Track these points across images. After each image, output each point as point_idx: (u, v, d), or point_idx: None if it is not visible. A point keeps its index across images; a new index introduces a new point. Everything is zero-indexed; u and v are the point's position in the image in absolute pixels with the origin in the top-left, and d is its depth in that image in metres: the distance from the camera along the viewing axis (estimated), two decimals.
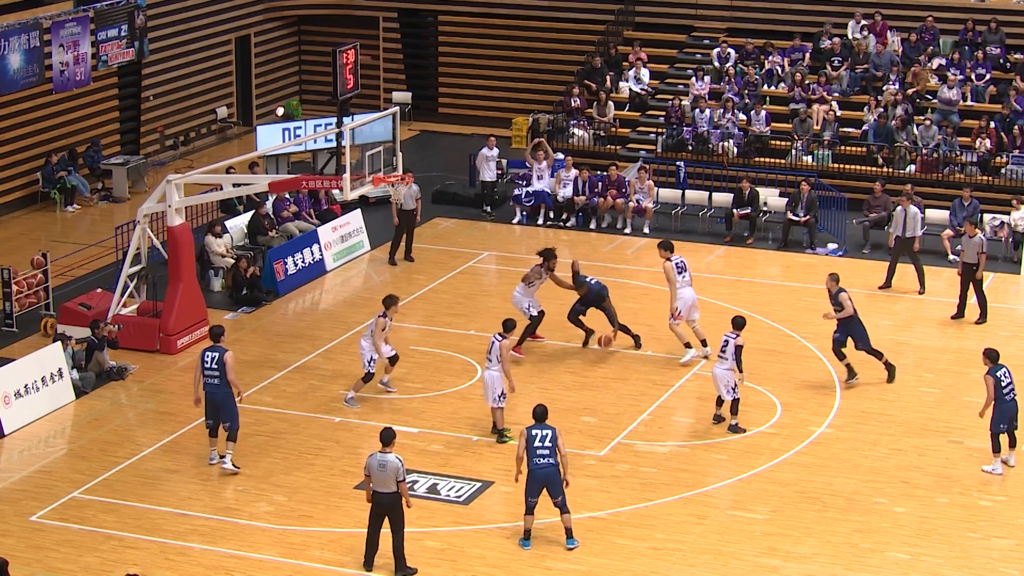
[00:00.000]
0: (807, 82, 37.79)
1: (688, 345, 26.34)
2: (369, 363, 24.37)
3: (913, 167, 35.27)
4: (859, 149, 36.03)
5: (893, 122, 35.72)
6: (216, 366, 22.01)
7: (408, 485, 19.67)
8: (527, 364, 25.86)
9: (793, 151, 36.15)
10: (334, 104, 33.04)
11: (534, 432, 20.04)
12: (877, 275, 30.68)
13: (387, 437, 19.31)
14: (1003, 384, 22.28)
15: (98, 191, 36.17)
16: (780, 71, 38.53)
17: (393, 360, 24.90)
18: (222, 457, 22.24)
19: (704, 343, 26.42)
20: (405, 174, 29.37)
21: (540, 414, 20.29)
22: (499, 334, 23.32)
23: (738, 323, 23.88)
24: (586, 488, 21.61)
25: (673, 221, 34.30)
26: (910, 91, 36.94)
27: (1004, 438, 22.51)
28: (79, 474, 22.26)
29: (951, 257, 31.39)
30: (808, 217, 32.88)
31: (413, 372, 25.88)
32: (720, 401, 23.95)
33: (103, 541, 20.29)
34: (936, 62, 37.84)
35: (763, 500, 21.60)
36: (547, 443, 19.98)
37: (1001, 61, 37.84)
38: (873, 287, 30.42)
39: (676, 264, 26.25)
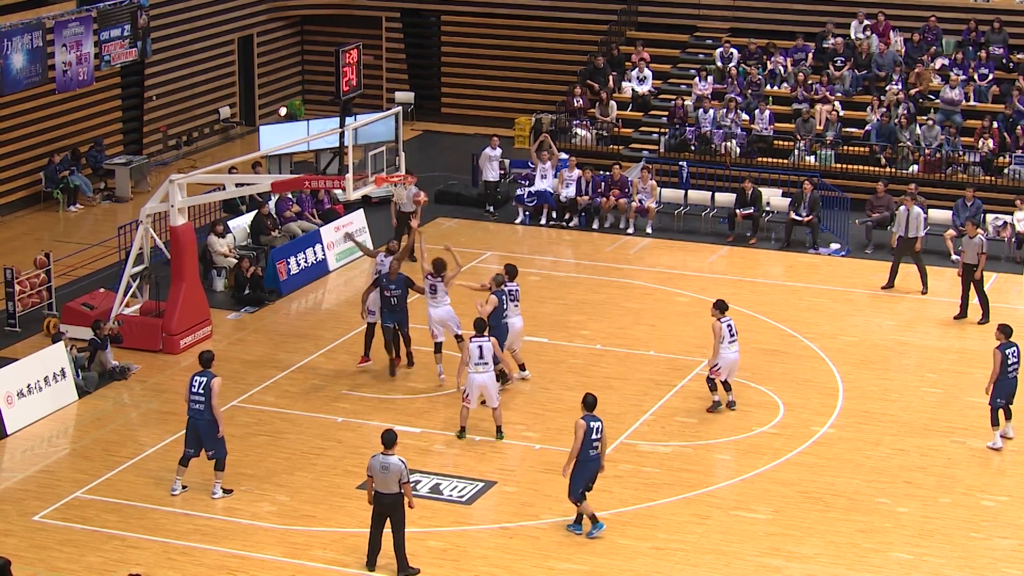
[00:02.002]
0: (810, 82, 37.78)
1: (511, 371, 25.18)
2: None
3: (916, 167, 35.27)
4: (862, 149, 36.02)
5: (896, 122, 35.72)
6: (203, 391, 21.22)
7: (411, 486, 19.66)
8: (529, 364, 25.80)
9: (796, 151, 36.13)
10: (337, 104, 33.06)
11: (592, 424, 20.06)
12: (880, 275, 30.68)
13: (389, 439, 19.27)
14: (1009, 361, 22.72)
15: (101, 191, 36.17)
16: (783, 71, 38.51)
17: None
18: (184, 487, 21.51)
19: (523, 367, 25.58)
20: (407, 175, 29.34)
21: (591, 403, 20.28)
22: (478, 336, 23.03)
23: (723, 306, 24.08)
24: None
25: (676, 221, 34.30)
26: (913, 91, 36.92)
27: (1002, 414, 22.99)
28: (82, 474, 22.26)
29: (954, 257, 31.33)
30: (811, 217, 32.87)
31: (416, 372, 25.87)
32: (729, 386, 24.14)
33: (106, 541, 20.29)
34: (939, 62, 37.82)
35: (766, 500, 21.58)
36: (598, 435, 20.10)
37: (1004, 61, 37.82)
38: (876, 287, 30.43)
39: (511, 291, 24.95)
